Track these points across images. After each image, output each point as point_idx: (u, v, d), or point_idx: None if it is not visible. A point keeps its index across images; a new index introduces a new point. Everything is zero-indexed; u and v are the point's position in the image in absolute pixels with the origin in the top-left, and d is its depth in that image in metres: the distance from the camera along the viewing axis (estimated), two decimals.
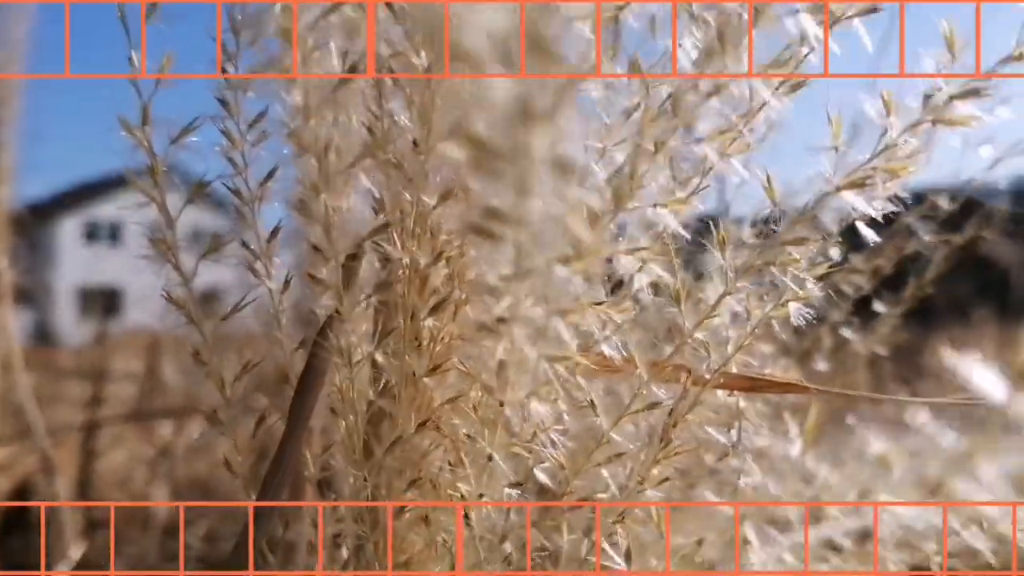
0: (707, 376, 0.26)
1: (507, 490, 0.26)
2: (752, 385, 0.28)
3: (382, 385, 0.26)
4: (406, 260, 0.25)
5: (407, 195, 0.25)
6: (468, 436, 0.26)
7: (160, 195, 0.28)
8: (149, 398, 2.95)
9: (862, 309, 0.75)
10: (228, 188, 0.29)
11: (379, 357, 0.25)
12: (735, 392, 0.28)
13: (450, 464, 0.27)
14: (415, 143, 0.24)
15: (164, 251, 0.29)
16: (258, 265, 0.30)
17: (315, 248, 0.24)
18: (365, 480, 0.25)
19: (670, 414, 0.28)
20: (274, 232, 0.30)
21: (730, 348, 0.26)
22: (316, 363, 0.26)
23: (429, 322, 0.26)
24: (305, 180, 0.24)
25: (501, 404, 0.23)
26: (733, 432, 0.28)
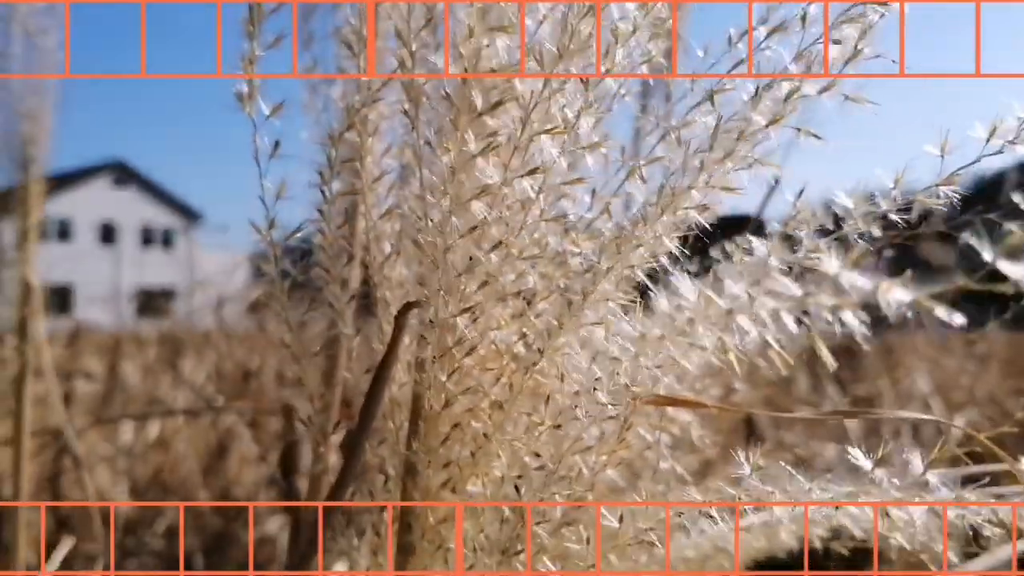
0: (644, 397, 0.41)
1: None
2: (671, 402, 0.42)
3: (442, 401, 0.39)
4: (454, 322, 0.39)
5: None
6: (485, 435, 0.40)
7: (282, 293, 0.42)
8: (110, 396, 3.00)
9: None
10: (320, 267, 0.42)
11: (446, 380, 0.39)
12: (660, 407, 0.42)
13: (471, 454, 0.40)
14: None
15: (278, 307, 0.42)
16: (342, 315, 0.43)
17: (429, 305, 0.37)
18: (429, 464, 0.39)
19: (624, 420, 0.42)
20: (353, 296, 0.43)
21: (649, 383, 0.40)
22: (380, 381, 0.39)
23: (467, 360, 0.39)
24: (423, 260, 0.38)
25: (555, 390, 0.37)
26: (657, 433, 0.42)
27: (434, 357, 0.38)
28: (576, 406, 0.38)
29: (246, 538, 2.49)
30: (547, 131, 0.36)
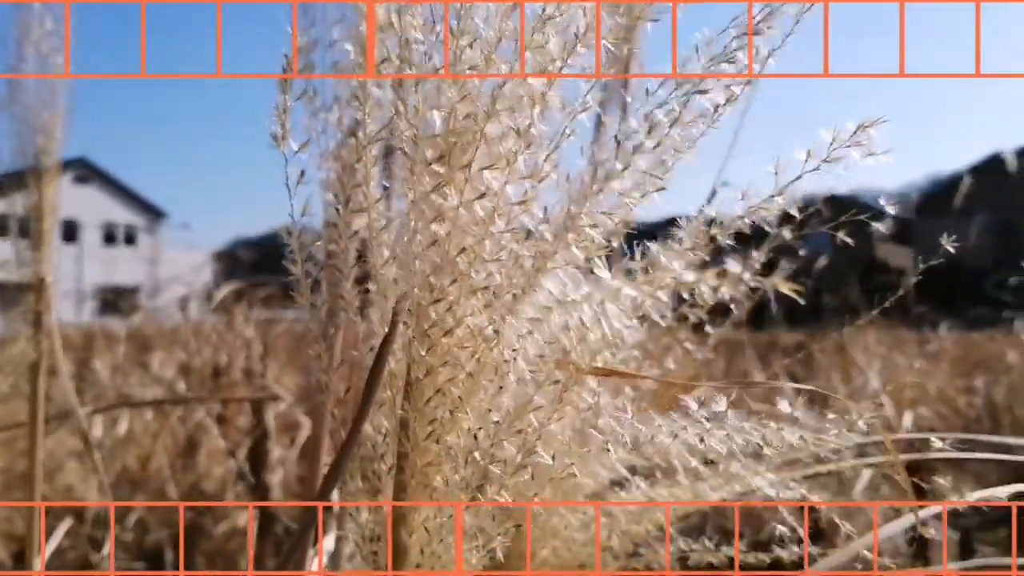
0: (582, 367, 0.54)
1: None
2: (607, 373, 0.56)
3: (424, 371, 0.52)
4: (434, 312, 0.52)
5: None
6: (460, 398, 0.53)
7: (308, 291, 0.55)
8: (80, 392, 3.08)
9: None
10: (333, 266, 0.55)
11: (424, 355, 0.52)
12: (599, 376, 0.56)
13: (450, 412, 0.54)
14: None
15: (303, 298, 0.55)
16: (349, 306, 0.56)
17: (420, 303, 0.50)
18: (415, 420, 0.52)
19: (563, 386, 0.55)
20: (360, 291, 0.56)
21: (586, 356, 0.53)
22: (380, 362, 0.52)
23: (443, 340, 0.52)
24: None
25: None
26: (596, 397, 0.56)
27: (413, 336, 0.52)
28: (521, 378, 0.52)
29: (215, 531, 2.59)
30: (486, 167, 0.49)
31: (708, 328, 0.84)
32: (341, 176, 0.54)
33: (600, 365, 0.57)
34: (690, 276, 0.72)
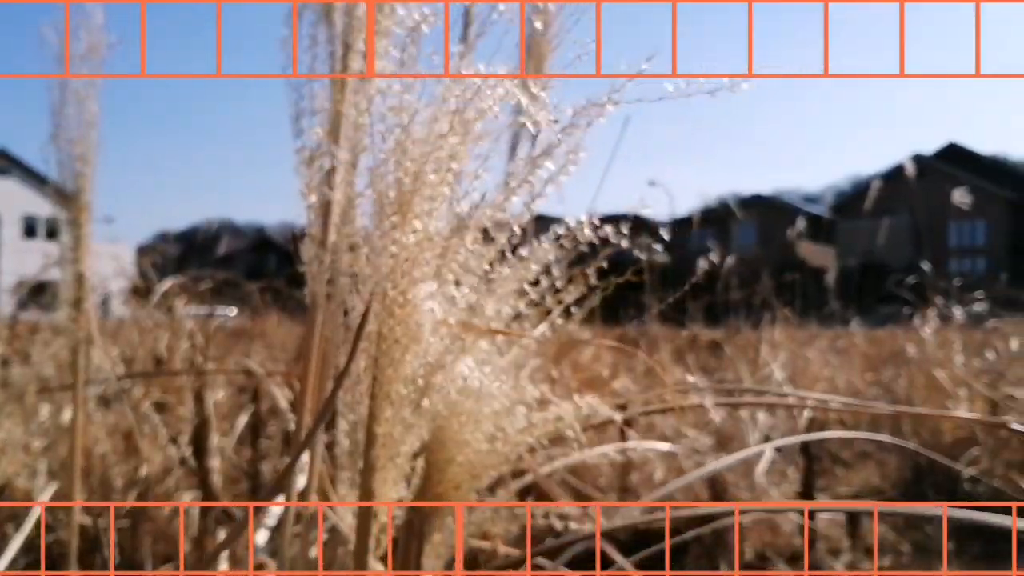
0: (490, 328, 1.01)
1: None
2: (497, 333, 1.02)
3: (387, 329, 0.98)
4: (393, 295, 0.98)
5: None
6: (407, 345, 0.99)
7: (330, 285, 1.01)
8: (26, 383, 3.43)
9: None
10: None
11: (388, 319, 0.98)
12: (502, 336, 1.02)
13: (402, 354, 0.99)
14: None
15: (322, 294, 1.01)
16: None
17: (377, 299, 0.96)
18: (382, 357, 0.98)
19: (469, 340, 1.02)
20: (350, 282, 1.02)
21: (491, 322, 1.00)
22: (362, 324, 0.97)
23: (398, 311, 0.98)
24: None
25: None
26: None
27: (380, 309, 0.97)
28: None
29: (157, 513, 2.97)
30: (425, 214, 0.95)
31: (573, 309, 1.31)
32: (331, 211, 0.99)
33: (491, 328, 1.03)
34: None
